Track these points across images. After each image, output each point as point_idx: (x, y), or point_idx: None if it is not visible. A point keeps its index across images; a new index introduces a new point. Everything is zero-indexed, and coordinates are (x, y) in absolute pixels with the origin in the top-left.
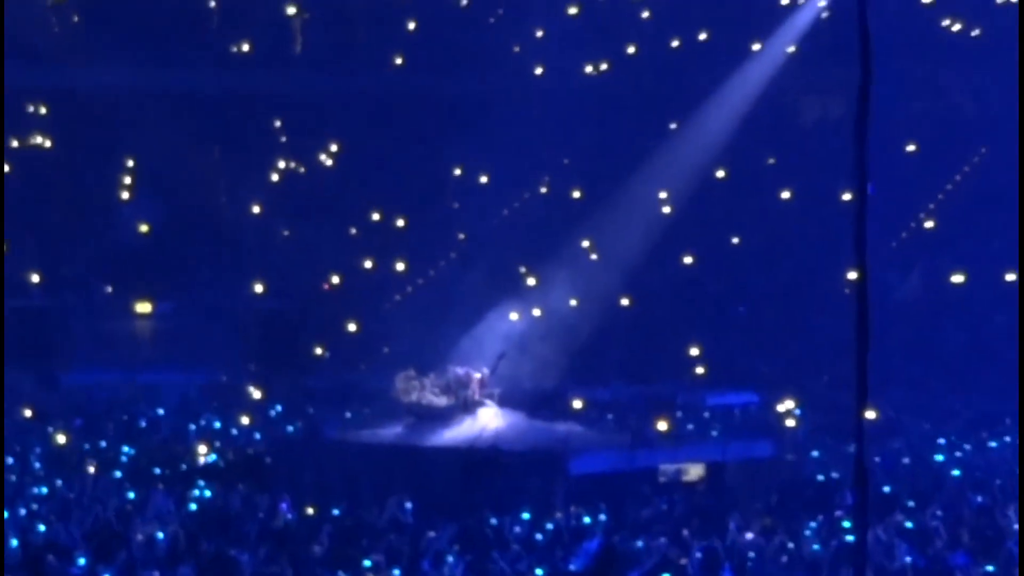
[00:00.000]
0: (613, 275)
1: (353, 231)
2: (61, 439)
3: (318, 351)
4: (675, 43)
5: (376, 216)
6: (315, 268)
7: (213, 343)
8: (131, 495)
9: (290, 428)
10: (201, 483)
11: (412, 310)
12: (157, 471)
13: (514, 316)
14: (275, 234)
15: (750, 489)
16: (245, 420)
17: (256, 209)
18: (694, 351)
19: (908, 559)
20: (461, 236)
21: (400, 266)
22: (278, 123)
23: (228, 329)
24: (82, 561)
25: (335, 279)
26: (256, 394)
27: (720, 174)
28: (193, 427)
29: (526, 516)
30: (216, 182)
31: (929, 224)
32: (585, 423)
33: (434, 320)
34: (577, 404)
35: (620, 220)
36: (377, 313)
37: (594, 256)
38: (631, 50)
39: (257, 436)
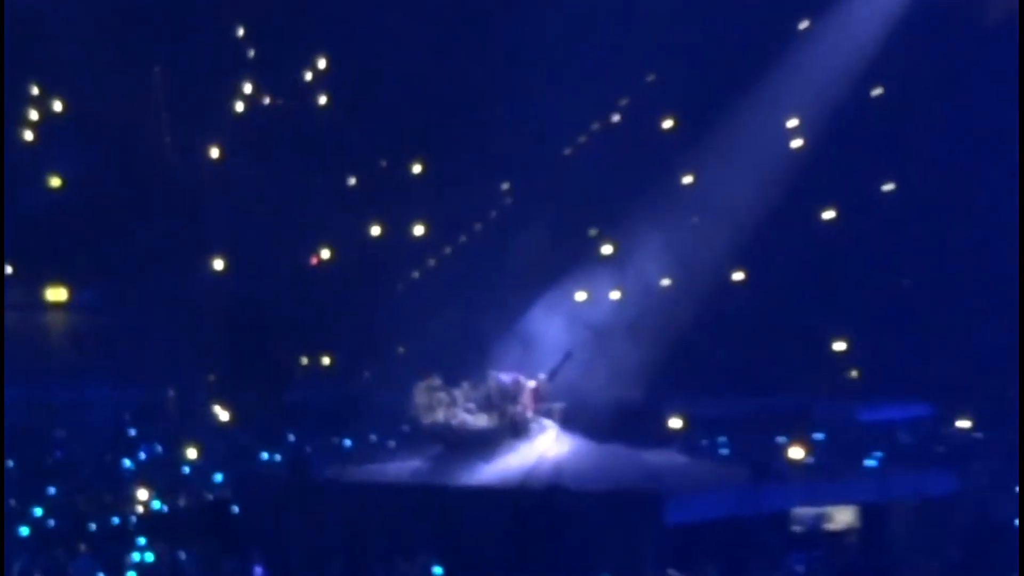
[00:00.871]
0: (721, 240)
1: (352, 182)
2: None
3: (304, 355)
4: None
5: (384, 162)
6: (298, 236)
7: (156, 345)
8: (42, 561)
9: (267, 463)
10: (141, 542)
11: (436, 293)
12: (80, 526)
13: (581, 298)
14: (241, 188)
15: (922, 541)
16: (199, 453)
17: (214, 153)
18: (838, 346)
19: None
20: (504, 186)
21: (418, 230)
22: (242, 30)
23: (177, 325)
24: None
25: (326, 251)
26: (219, 416)
27: (875, 92)
28: (129, 463)
29: None
30: (157, 117)
31: None
32: (686, 451)
33: (468, 306)
34: (674, 424)
35: (730, 161)
36: (387, 298)
37: (695, 215)
38: None
39: (219, 476)
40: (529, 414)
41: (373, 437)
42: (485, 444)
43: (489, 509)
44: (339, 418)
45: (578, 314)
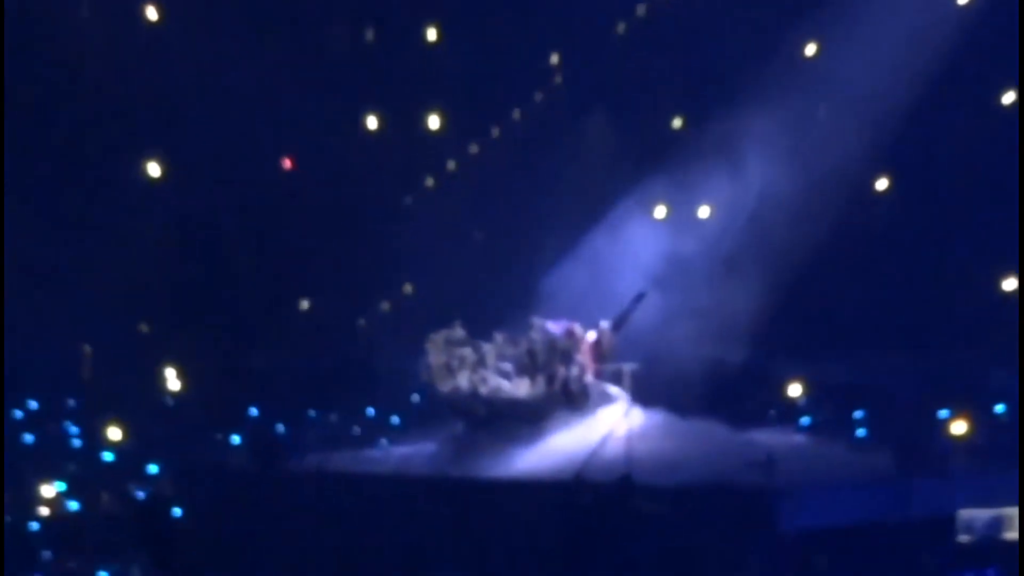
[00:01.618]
0: (856, 137)
1: (339, 53)
2: None
3: (275, 298)
4: None
5: (385, 27)
6: (266, 126)
7: (65, 282)
8: None
9: (221, 448)
10: (45, 556)
11: (457, 209)
12: None
13: (660, 215)
14: (187, 60)
15: None
16: (126, 434)
17: (150, 14)
18: (1008, 284)
19: None
20: (553, 59)
21: (433, 122)
22: None
23: (95, 254)
24: None
25: (305, 152)
26: (156, 382)
27: None
28: (32, 440)
29: None
30: None
31: None
32: (809, 430)
33: (501, 228)
34: (792, 392)
35: (872, 23)
36: (390, 218)
37: (820, 102)
38: None
39: (154, 467)
40: (588, 378)
41: (370, 412)
42: (526, 420)
43: (532, 512)
44: (323, 386)
45: (656, 239)
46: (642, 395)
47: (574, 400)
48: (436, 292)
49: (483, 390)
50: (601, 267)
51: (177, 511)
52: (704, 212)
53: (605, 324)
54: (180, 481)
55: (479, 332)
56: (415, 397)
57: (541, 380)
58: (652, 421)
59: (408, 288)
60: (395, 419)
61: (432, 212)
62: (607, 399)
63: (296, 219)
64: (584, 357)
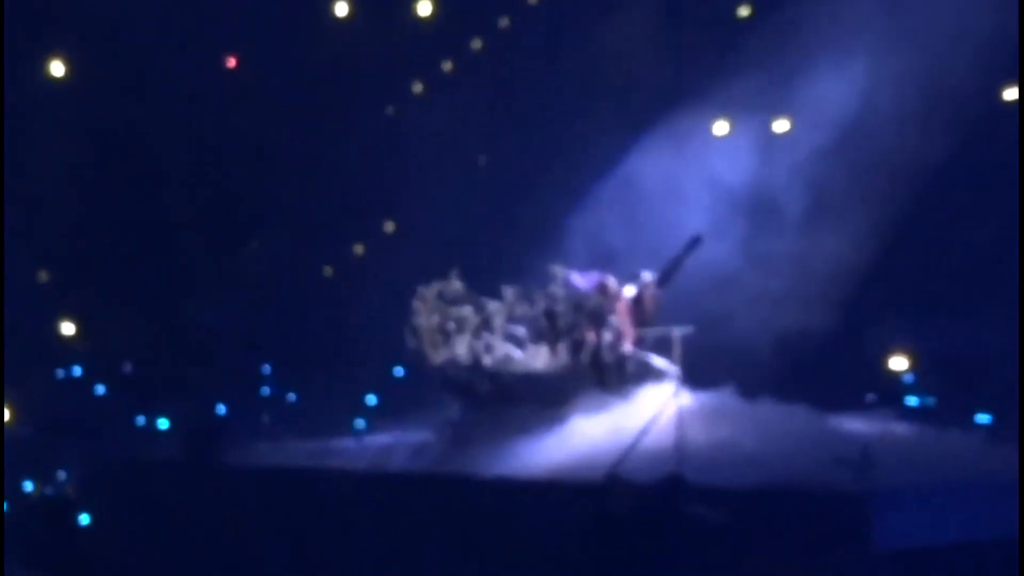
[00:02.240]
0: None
1: None
2: None
3: (215, 233)
4: None
5: None
6: (203, 13)
7: None
8: None
9: (144, 435)
10: None
11: (453, 112)
12: None
13: (722, 131)
14: None
15: None
16: (15, 416)
17: None
18: None
19: None
20: None
21: (423, 10)
22: None
23: None
24: None
25: (251, 46)
26: (62, 348)
27: None
28: None
29: None
30: None
31: None
32: (912, 416)
33: (510, 139)
34: (895, 366)
35: None
36: (365, 136)
37: None
38: None
39: (54, 461)
40: (625, 346)
41: (340, 389)
42: (544, 400)
43: (550, 522)
44: (278, 354)
45: (716, 163)
46: (697, 369)
47: (607, 375)
48: (427, 233)
49: (487, 361)
50: (643, 201)
51: (84, 518)
52: (781, 127)
53: (648, 276)
54: (87, 480)
55: (483, 285)
56: (398, 371)
57: (564, 349)
58: (709, 404)
59: (389, 226)
60: (372, 399)
61: (422, 127)
62: (650, 374)
63: (243, 135)
64: (621, 319)
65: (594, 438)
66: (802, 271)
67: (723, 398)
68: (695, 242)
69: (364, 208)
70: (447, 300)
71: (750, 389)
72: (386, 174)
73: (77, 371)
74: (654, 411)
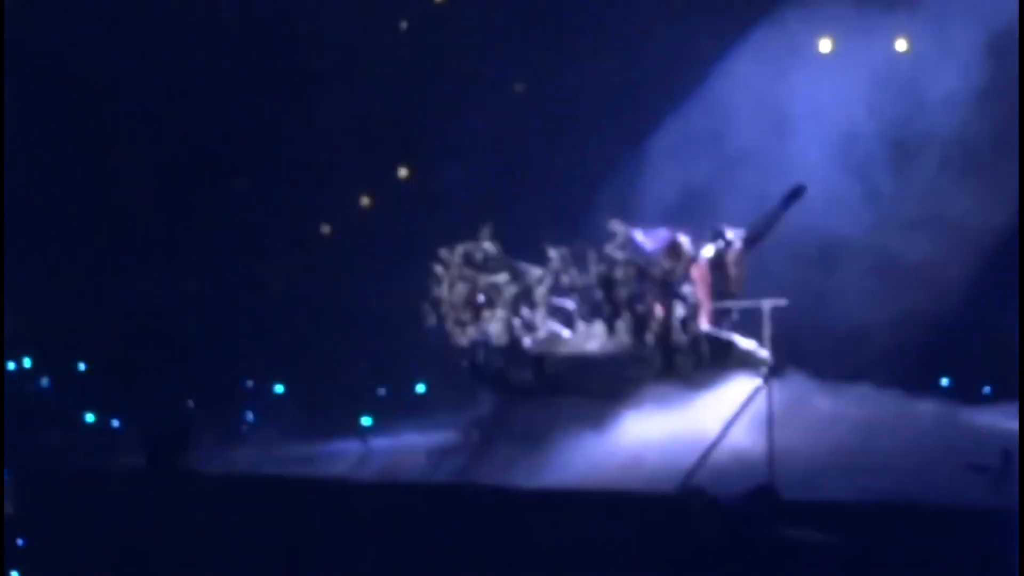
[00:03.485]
0: None
1: None
2: None
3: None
4: None
5: None
6: None
7: None
8: None
9: (95, 435)
10: None
11: (479, 42)
12: None
13: (826, 49)
14: None
15: None
16: None
17: None
18: None
19: None
20: None
21: None
22: None
23: None
24: None
25: None
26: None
27: None
28: None
29: None
30: None
31: None
32: None
33: (554, 72)
34: None
35: None
36: (371, 60)
37: None
38: None
39: None
40: (702, 323)
41: (342, 379)
42: (599, 392)
43: (611, 544)
44: (263, 336)
45: (822, 94)
46: (793, 354)
47: (679, 360)
48: (450, 180)
49: (528, 342)
50: (726, 142)
51: (18, 541)
52: (903, 47)
53: (733, 235)
54: (25, 492)
55: (523, 247)
56: (416, 356)
57: (624, 326)
58: (809, 397)
59: (403, 172)
60: (381, 391)
61: (442, 44)
62: (734, 359)
63: (204, 49)
64: (697, 289)
65: (663, 441)
66: (928, 236)
67: (825, 391)
68: (795, 194)
69: (371, 148)
70: (477, 265)
71: (858, 378)
72: (397, 103)
73: (26, 363)
74: (738, 406)
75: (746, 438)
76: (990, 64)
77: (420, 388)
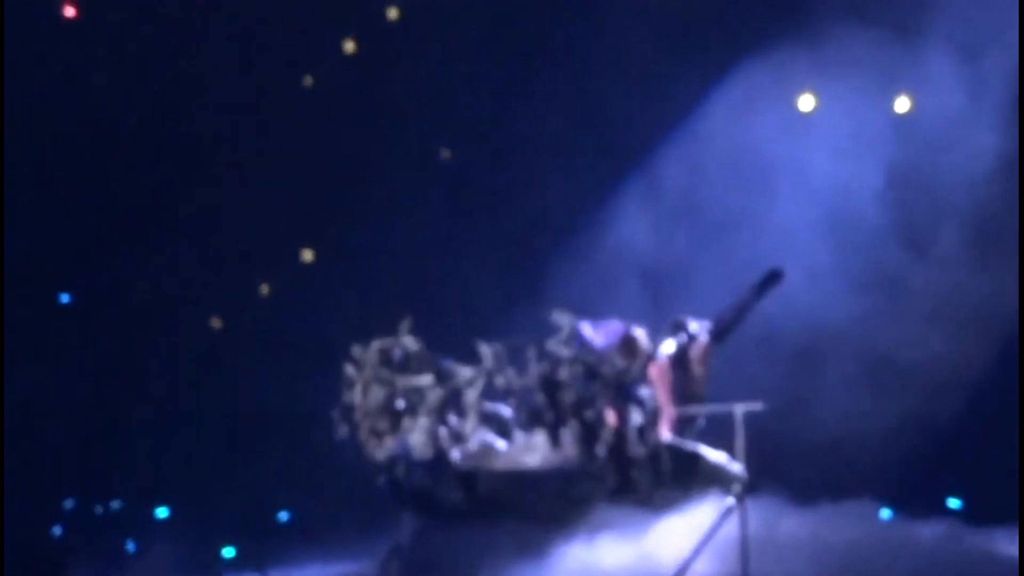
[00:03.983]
0: None
1: None
2: None
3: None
4: None
5: None
6: None
7: None
8: None
9: None
10: None
11: (399, 104)
12: None
13: (807, 107)
14: None
15: None
16: None
17: None
18: None
19: None
20: None
21: None
22: None
23: None
24: None
25: None
26: None
27: None
28: None
29: None
30: None
31: None
32: None
33: (489, 140)
34: None
35: None
36: (271, 116)
37: None
38: None
39: None
40: (662, 432)
41: (242, 504)
42: (542, 516)
43: None
44: (147, 451)
45: (805, 160)
46: (772, 468)
47: (636, 476)
48: (365, 262)
49: (457, 455)
50: (690, 217)
51: None
52: (903, 107)
53: (697, 327)
54: None
55: (450, 344)
56: (323, 473)
57: (571, 436)
58: (790, 520)
59: (308, 255)
60: (283, 516)
61: (351, 99)
62: (701, 475)
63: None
64: (656, 392)
65: (617, 574)
66: (936, 328)
67: (810, 513)
68: (771, 279)
69: (271, 225)
70: (395, 365)
71: (849, 499)
72: (303, 175)
73: None
74: (706, 532)
75: (716, 570)
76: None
77: (322, 511)
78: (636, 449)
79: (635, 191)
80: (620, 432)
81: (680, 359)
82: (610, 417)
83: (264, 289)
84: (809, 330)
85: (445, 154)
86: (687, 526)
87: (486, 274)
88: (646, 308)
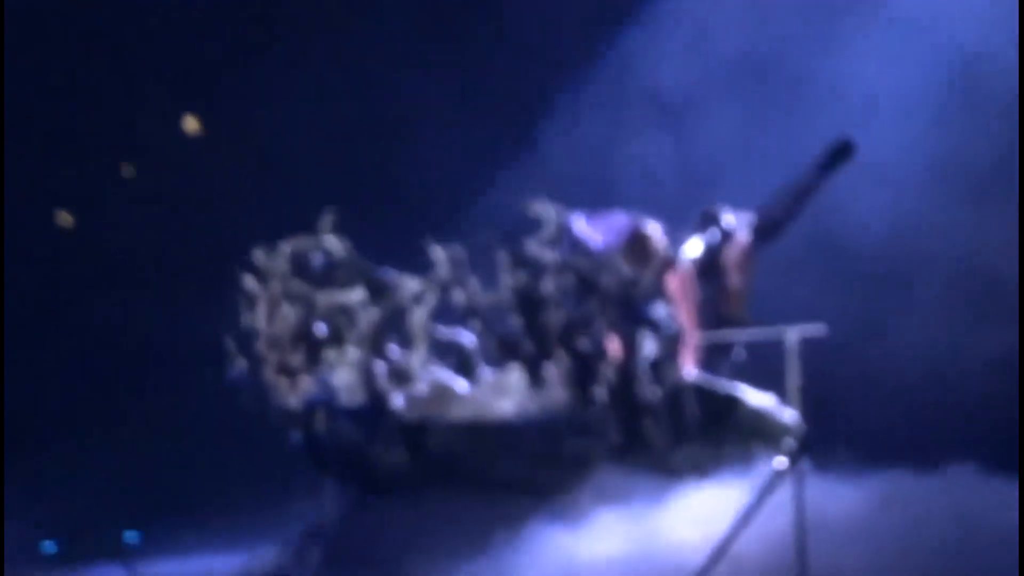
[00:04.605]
0: None
1: None
2: None
3: None
4: None
5: None
6: None
7: None
8: None
9: None
10: None
11: None
12: None
13: None
14: None
15: None
16: None
17: None
18: None
19: None
20: None
21: None
22: None
23: None
24: None
25: None
26: None
27: None
28: None
29: None
30: None
31: None
32: None
33: None
34: None
35: None
36: None
37: None
38: None
39: None
40: (687, 367)
41: (106, 470)
42: (519, 483)
43: None
44: None
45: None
46: (835, 418)
47: (648, 429)
48: (267, 136)
49: (400, 401)
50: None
51: None
52: None
53: (734, 220)
54: None
55: (388, 244)
56: (215, 427)
57: (558, 374)
58: (861, 489)
59: (192, 124)
60: (158, 488)
61: None
62: (738, 425)
63: None
64: (677, 311)
65: (624, 564)
66: None
67: (888, 480)
68: (840, 154)
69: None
70: (313, 276)
71: (945, 463)
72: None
73: None
74: (746, 506)
75: (760, 559)
76: None
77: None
78: (648, 391)
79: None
80: (626, 367)
81: (711, 265)
82: (612, 346)
83: (127, 170)
84: (887, 237)
85: None
86: (718, 497)
87: (442, 137)
88: (669, 193)
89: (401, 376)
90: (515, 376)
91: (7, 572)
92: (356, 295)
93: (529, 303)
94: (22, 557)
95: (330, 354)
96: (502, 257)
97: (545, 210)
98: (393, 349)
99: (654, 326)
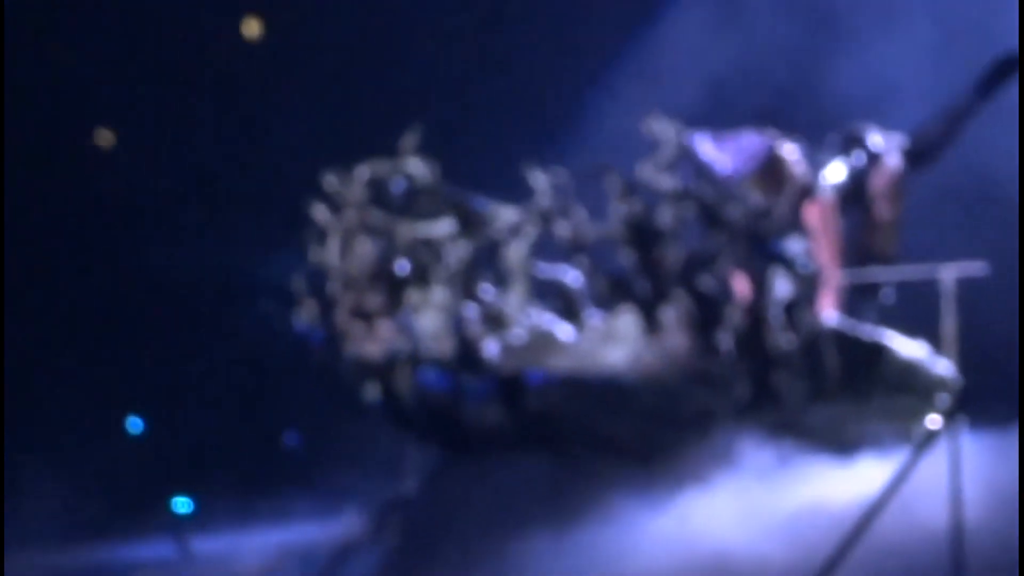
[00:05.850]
0: None
1: None
2: None
3: None
4: None
5: None
6: None
7: None
8: None
9: None
10: None
11: None
12: None
13: None
14: None
15: None
16: None
17: None
18: None
19: None
20: None
21: None
22: None
23: None
24: None
25: None
26: None
27: None
28: None
29: None
30: None
31: None
32: None
33: None
34: None
35: None
36: None
37: None
38: None
39: None
40: (828, 311)
41: (158, 439)
42: (633, 445)
43: None
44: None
45: None
46: (998, 371)
47: (782, 383)
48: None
49: (494, 349)
50: None
51: None
52: None
53: (882, 142)
54: None
55: (482, 170)
56: (281, 383)
57: (677, 319)
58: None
59: (253, 27)
60: (216, 454)
61: None
62: (887, 378)
63: None
64: (816, 246)
65: (759, 537)
66: None
67: None
68: (1004, 69)
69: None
70: (394, 205)
71: None
72: None
73: None
74: (897, 469)
75: (912, 524)
76: None
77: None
78: (781, 338)
79: None
80: (755, 311)
81: (855, 194)
82: (740, 287)
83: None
84: None
85: None
86: (867, 463)
87: (546, 42)
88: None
89: (495, 321)
90: (626, 321)
91: (51, 536)
92: (443, 227)
93: (644, 237)
94: (61, 520)
95: (413, 295)
96: (613, 183)
97: (663, 129)
98: (486, 289)
99: (788, 263)
